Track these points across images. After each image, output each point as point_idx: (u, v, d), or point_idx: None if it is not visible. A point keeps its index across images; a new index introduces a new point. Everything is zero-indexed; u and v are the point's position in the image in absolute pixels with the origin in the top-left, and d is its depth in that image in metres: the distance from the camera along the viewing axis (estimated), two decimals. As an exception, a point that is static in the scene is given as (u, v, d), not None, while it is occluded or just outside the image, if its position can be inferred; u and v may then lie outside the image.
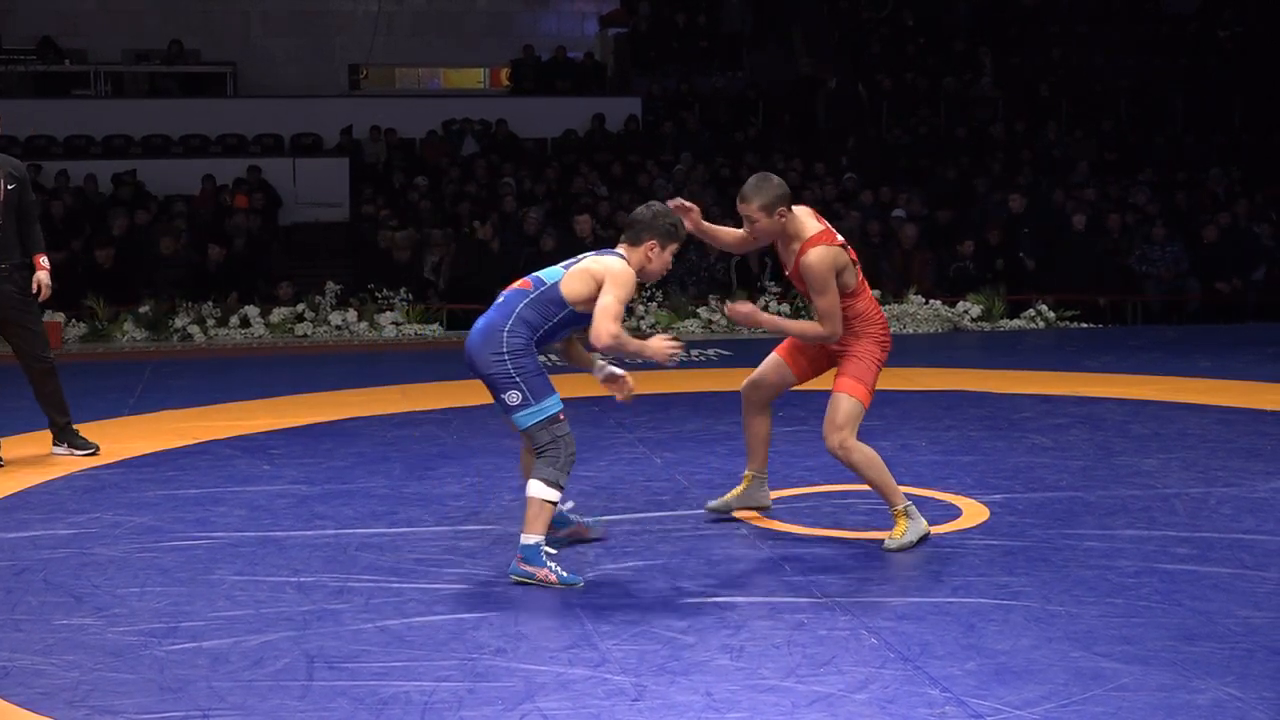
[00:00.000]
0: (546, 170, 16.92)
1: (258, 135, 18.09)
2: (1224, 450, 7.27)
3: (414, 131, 18.06)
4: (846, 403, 5.48)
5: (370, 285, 13.40)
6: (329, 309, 13.25)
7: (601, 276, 5.11)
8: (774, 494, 6.22)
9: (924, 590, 4.99)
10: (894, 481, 5.57)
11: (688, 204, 5.58)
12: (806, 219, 5.51)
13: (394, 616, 4.71)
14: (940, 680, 4.06)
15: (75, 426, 7.59)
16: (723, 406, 8.41)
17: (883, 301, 12.78)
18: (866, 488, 5.71)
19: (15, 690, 4.09)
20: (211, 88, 19.63)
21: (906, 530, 5.49)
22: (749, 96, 19.25)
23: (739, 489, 6.02)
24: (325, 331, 13.09)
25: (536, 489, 5.04)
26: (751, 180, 5.48)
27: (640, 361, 5.30)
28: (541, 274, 5.23)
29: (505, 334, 5.07)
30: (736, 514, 6.00)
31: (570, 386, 5.52)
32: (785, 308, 13.14)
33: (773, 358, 5.82)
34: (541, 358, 5.19)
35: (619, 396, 5.38)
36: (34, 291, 7.46)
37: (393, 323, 13.12)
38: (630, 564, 5.35)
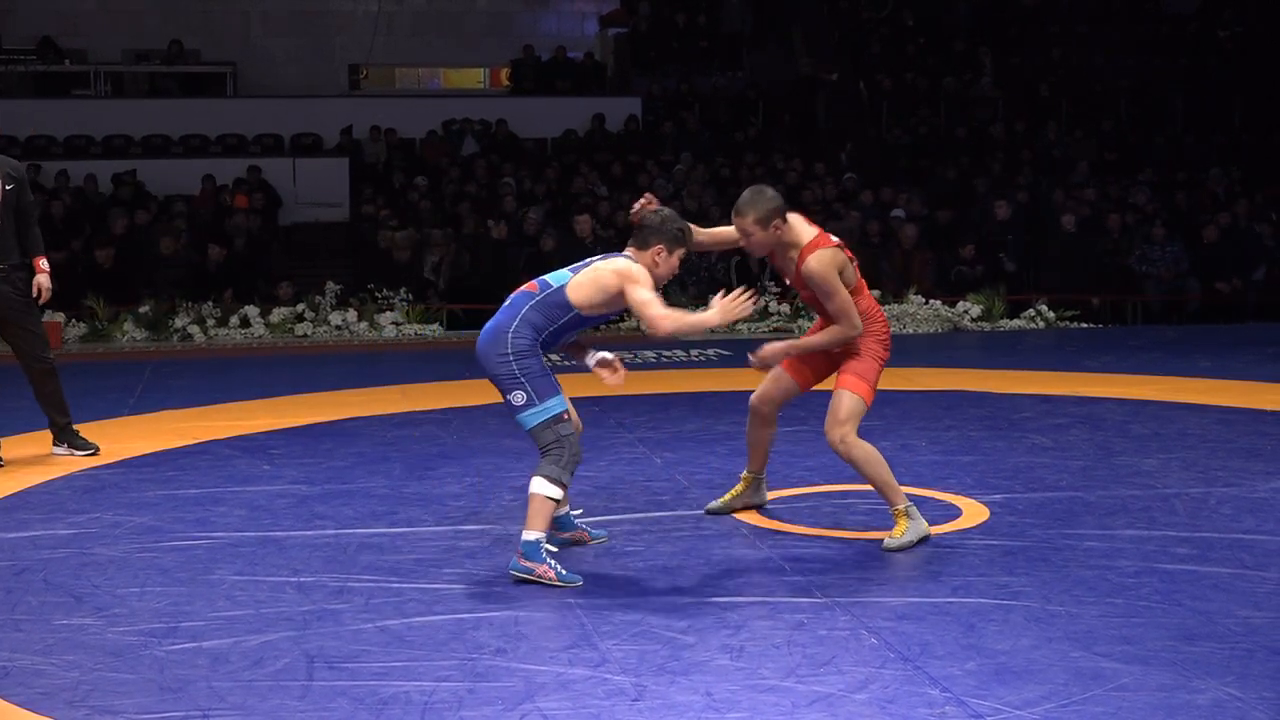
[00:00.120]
0: (546, 170, 16.92)
1: (258, 135, 18.09)
2: (1224, 450, 7.27)
3: (414, 131, 18.05)
4: (849, 399, 5.49)
5: (370, 285, 13.40)
6: (329, 309, 13.25)
7: (611, 281, 5.13)
8: (774, 494, 6.23)
9: (924, 590, 4.99)
10: (895, 480, 5.57)
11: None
12: (800, 225, 5.53)
13: (394, 616, 4.71)
14: (940, 680, 4.06)
15: (75, 426, 7.59)
16: (723, 406, 8.41)
17: (883, 301, 12.79)
18: (867, 488, 5.71)
19: (15, 690, 4.09)
20: (211, 88, 19.63)
21: (906, 530, 5.49)
22: (749, 96, 19.25)
23: (737, 489, 6.04)
24: (325, 331, 13.09)
25: (539, 485, 5.05)
26: (746, 194, 5.49)
27: (714, 331, 5.21)
28: (548, 277, 5.27)
29: (510, 335, 5.10)
30: (736, 514, 6.00)
31: (571, 387, 5.51)
32: (785, 307, 13.17)
33: (774, 370, 5.83)
34: (548, 360, 5.20)
35: (610, 381, 5.25)
36: (34, 295, 7.46)
37: (393, 323, 13.11)
38: (630, 564, 5.35)
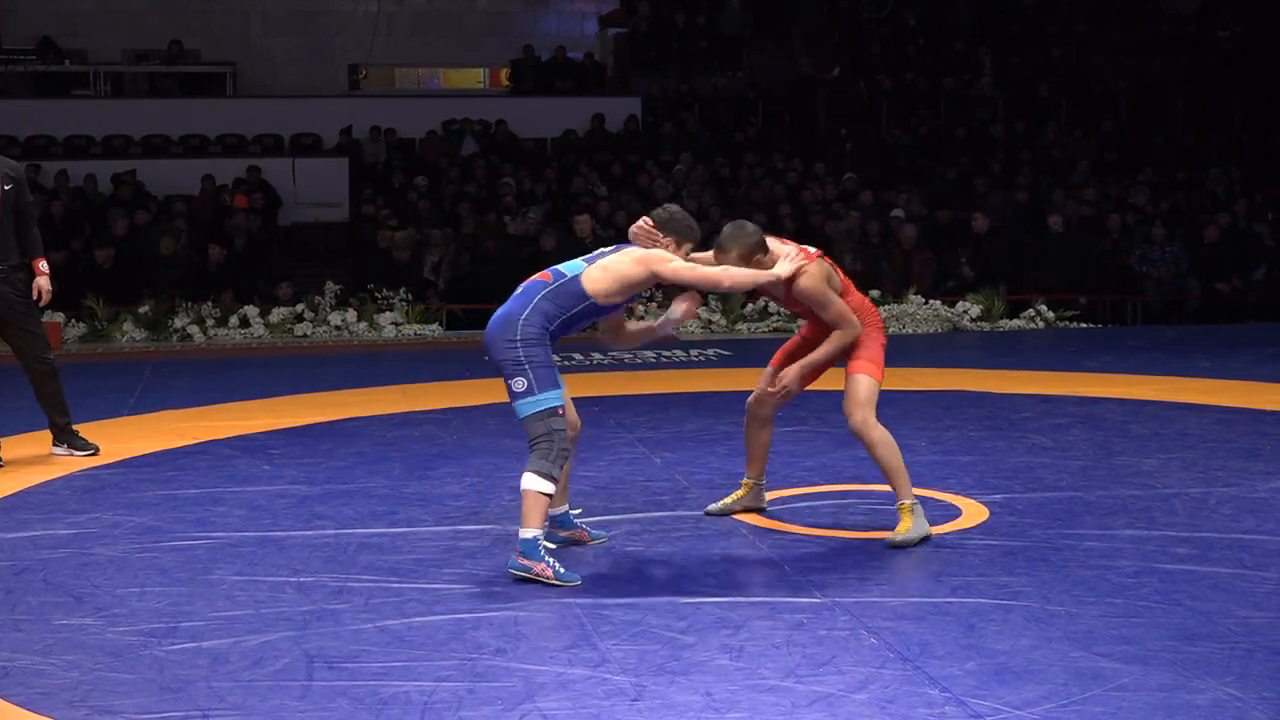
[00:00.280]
0: (546, 170, 16.92)
1: (257, 135, 18.09)
2: (1224, 450, 7.27)
3: (414, 131, 18.05)
4: (866, 381, 5.55)
5: (370, 285, 13.41)
6: (329, 309, 13.25)
7: (632, 270, 5.15)
8: (774, 494, 6.24)
9: (924, 590, 4.99)
10: (907, 472, 5.59)
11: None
12: (779, 248, 5.58)
13: (394, 616, 4.71)
14: (940, 680, 4.06)
15: (75, 427, 7.58)
16: (723, 406, 8.41)
17: (883, 301, 12.80)
18: (867, 488, 5.71)
19: (15, 690, 4.09)
20: (211, 88, 19.62)
21: (911, 527, 5.50)
22: (749, 96, 19.24)
23: (738, 494, 6.04)
24: (325, 331, 13.09)
25: (530, 481, 5.05)
26: (727, 230, 5.53)
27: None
28: (562, 267, 5.28)
29: (521, 322, 5.10)
30: (736, 515, 6.01)
31: (571, 387, 5.51)
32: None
33: (769, 372, 5.85)
34: (555, 358, 5.22)
35: (689, 316, 5.41)
36: (34, 297, 7.45)
37: (392, 323, 13.12)
38: (630, 564, 5.35)
